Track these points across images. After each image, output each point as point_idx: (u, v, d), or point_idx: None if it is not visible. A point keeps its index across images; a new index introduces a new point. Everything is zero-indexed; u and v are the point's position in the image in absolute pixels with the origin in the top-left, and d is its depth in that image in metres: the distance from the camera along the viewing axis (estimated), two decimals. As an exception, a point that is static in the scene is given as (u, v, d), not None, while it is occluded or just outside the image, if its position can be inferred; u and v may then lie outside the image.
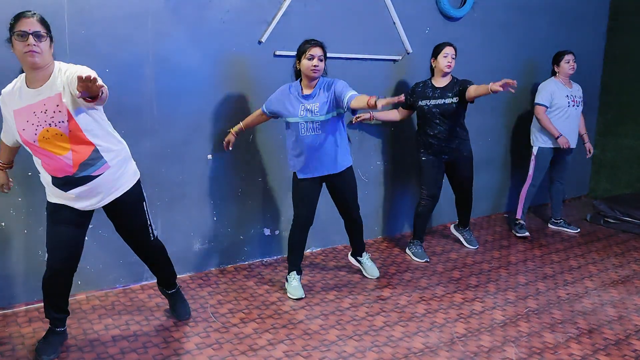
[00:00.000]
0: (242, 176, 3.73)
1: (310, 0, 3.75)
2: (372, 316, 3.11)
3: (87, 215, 2.57)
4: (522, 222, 4.68)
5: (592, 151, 4.80)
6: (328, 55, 3.41)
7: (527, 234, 4.61)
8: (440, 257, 4.13)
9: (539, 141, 4.59)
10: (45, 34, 2.26)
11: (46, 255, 2.53)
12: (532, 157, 4.62)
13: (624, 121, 5.80)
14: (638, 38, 5.66)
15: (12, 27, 2.23)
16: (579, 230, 4.83)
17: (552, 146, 4.55)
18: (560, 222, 4.90)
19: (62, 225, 2.49)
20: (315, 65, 3.10)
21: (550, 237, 4.72)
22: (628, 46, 5.75)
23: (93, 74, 2.15)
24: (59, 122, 2.30)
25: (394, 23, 4.17)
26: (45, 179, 2.46)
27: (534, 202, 4.74)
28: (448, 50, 3.82)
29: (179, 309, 3.01)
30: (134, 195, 2.62)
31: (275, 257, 3.97)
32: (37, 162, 2.44)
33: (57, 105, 2.29)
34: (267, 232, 3.91)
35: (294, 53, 3.65)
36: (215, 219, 3.67)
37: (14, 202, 2.99)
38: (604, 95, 5.98)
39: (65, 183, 2.41)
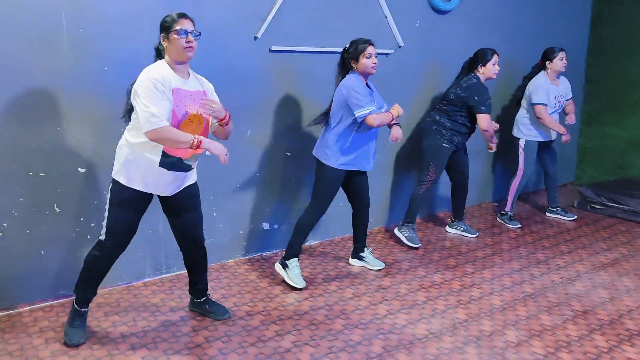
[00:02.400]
0: (241, 172, 3.76)
1: (303, -5, 3.79)
2: (374, 305, 3.18)
3: (149, 203, 2.71)
4: (510, 213, 4.78)
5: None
6: (324, 49, 3.46)
7: (518, 225, 4.72)
8: (435, 246, 4.22)
9: (526, 134, 4.68)
10: (199, 35, 2.57)
11: (103, 236, 2.63)
12: (521, 151, 4.71)
13: (608, 110, 5.95)
14: (620, 29, 5.80)
15: (171, 25, 2.51)
16: (575, 217, 4.96)
17: (540, 140, 4.65)
18: (557, 209, 5.02)
19: (133, 212, 2.64)
20: (375, 63, 3.33)
21: (540, 223, 4.84)
22: (611, 37, 5.89)
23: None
24: (197, 111, 2.58)
25: (386, 17, 4.22)
26: (150, 157, 2.53)
27: (517, 195, 4.86)
28: (497, 58, 4.12)
29: (217, 310, 3.02)
30: (197, 188, 2.85)
31: (274, 251, 4.01)
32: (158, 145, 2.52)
33: (202, 99, 2.59)
34: (266, 226, 3.95)
35: (289, 48, 3.71)
36: (214, 214, 3.70)
37: (16, 203, 2.98)
38: (588, 85, 6.13)
39: (173, 164, 2.57)
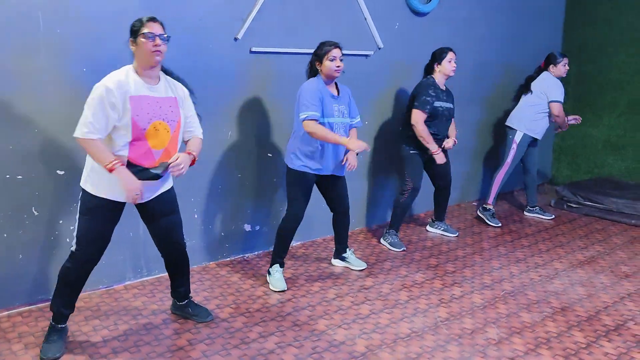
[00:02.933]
0: (222, 173, 3.75)
1: (284, -3, 3.79)
2: (357, 305, 3.19)
3: (122, 211, 2.63)
4: (492, 209, 4.84)
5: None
6: (304, 51, 3.45)
7: (499, 224, 4.78)
8: (417, 246, 4.25)
9: (525, 129, 4.74)
10: (168, 39, 2.51)
11: (74, 246, 2.56)
12: (514, 145, 4.76)
13: (583, 111, 6.06)
14: (594, 31, 5.93)
15: (139, 29, 2.46)
16: (553, 217, 5.04)
17: (536, 137, 4.77)
18: (536, 209, 5.10)
19: (103, 221, 2.57)
20: (338, 66, 3.28)
21: (518, 222, 4.92)
22: (585, 39, 6.01)
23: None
24: (171, 120, 2.55)
25: (365, 19, 4.25)
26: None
27: (500, 189, 4.92)
28: (452, 55, 4.05)
29: (200, 312, 3.00)
30: (174, 193, 2.80)
31: (256, 253, 4.01)
32: (120, 148, 2.46)
33: (170, 107, 2.55)
34: (247, 227, 3.94)
35: (269, 49, 3.71)
36: (195, 216, 3.68)
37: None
38: (563, 86, 6.22)
39: (138, 172, 2.49)
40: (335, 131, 3.30)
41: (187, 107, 2.70)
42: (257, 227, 4.00)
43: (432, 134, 4.04)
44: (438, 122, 4.07)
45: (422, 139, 4.00)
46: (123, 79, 2.44)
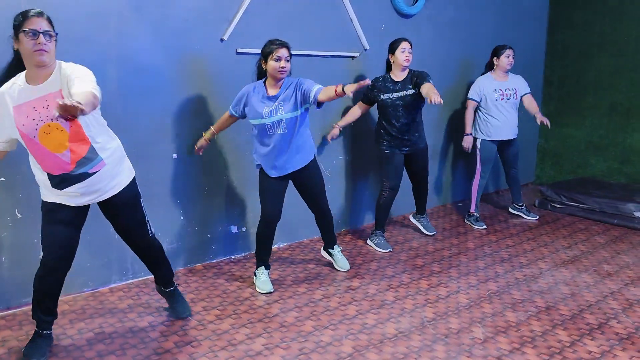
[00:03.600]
0: (208, 174, 3.74)
1: (270, -2, 3.80)
2: (344, 306, 3.20)
3: (83, 214, 2.56)
4: (476, 214, 4.88)
5: (545, 122, 4.61)
6: (291, 52, 3.42)
7: (484, 226, 4.81)
8: (403, 246, 4.27)
9: (480, 135, 4.77)
10: (54, 34, 2.30)
11: (41, 254, 2.51)
12: (477, 151, 4.79)
13: (566, 112, 6.15)
14: (576, 33, 6.00)
15: (20, 25, 2.24)
16: (537, 217, 5.09)
17: (494, 139, 4.73)
18: (522, 207, 5.14)
19: (59, 224, 2.49)
20: (282, 67, 3.14)
21: (503, 222, 4.96)
22: (567, 41, 6.09)
23: (79, 99, 2.04)
24: (49, 120, 2.32)
25: (351, 20, 4.27)
26: (41, 178, 2.44)
27: (479, 196, 4.96)
28: (405, 45, 3.95)
29: (178, 307, 3.00)
30: (131, 192, 2.64)
31: (243, 254, 4.00)
32: (33, 161, 2.42)
33: (38, 111, 2.32)
34: (234, 229, 3.93)
35: (255, 51, 3.69)
36: (182, 218, 3.67)
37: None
38: (546, 87, 6.32)
39: (62, 181, 2.40)
40: (272, 130, 3.21)
41: (74, 77, 2.30)
42: (244, 229, 3.99)
43: (394, 130, 4.02)
44: (392, 114, 3.99)
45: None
46: (7, 88, 2.33)
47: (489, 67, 4.81)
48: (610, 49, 5.76)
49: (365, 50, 4.42)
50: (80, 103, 1.91)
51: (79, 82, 2.25)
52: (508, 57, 4.64)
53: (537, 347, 2.77)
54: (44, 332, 2.62)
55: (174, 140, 3.54)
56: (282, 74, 3.16)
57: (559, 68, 6.19)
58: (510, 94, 4.70)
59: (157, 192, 3.50)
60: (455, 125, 5.37)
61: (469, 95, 4.74)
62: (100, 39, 3.12)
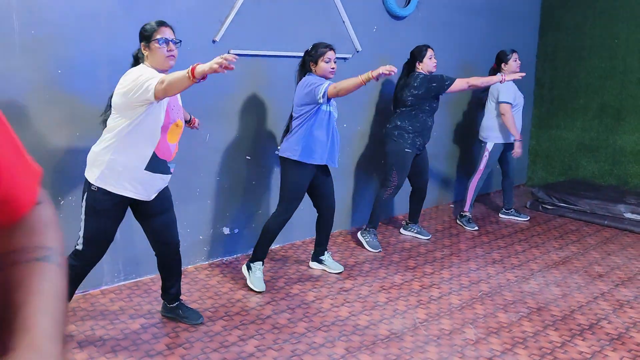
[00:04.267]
0: (200, 176, 3.73)
1: (262, -1, 3.79)
2: (337, 307, 3.20)
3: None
4: (469, 214, 4.89)
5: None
6: (283, 53, 3.45)
7: (476, 227, 4.83)
8: (395, 247, 4.28)
9: (494, 137, 4.76)
10: (179, 43, 2.60)
11: (80, 246, 2.58)
12: (486, 153, 4.79)
13: (557, 114, 6.19)
14: (568, 35, 6.05)
15: (151, 35, 2.52)
16: (528, 218, 5.11)
17: (504, 142, 4.77)
18: (511, 211, 5.17)
19: (113, 220, 2.62)
20: (333, 68, 3.39)
21: (495, 224, 4.99)
22: (559, 43, 6.13)
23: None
24: (181, 117, 2.68)
25: (344, 22, 4.27)
26: (132, 162, 2.50)
27: (475, 196, 4.98)
28: (431, 52, 4.15)
29: (190, 315, 2.98)
30: (169, 191, 2.82)
31: (235, 256, 3.99)
32: (146, 146, 2.51)
33: (179, 102, 2.69)
34: (226, 231, 3.92)
35: (248, 52, 3.71)
36: (174, 219, 3.65)
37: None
38: (538, 89, 6.36)
39: (161, 165, 2.57)
40: (332, 119, 3.42)
41: None
42: (236, 230, 3.98)
43: (430, 125, 4.25)
44: (428, 112, 4.22)
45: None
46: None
47: (494, 72, 4.82)
48: (600, 52, 5.81)
49: (358, 51, 4.43)
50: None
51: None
52: (516, 60, 4.72)
53: (528, 347, 2.78)
54: None
55: (166, 141, 3.53)
56: (332, 74, 3.40)
57: (550, 70, 6.23)
58: (522, 97, 4.83)
59: (149, 193, 3.49)
60: (446, 127, 5.40)
61: (505, 99, 4.64)
62: (91, 40, 3.11)
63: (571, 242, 4.50)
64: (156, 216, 2.74)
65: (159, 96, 2.36)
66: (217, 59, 2.23)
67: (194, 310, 3.03)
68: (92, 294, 3.31)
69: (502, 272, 3.81)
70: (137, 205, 2.71)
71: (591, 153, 5.97)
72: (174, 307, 2.99)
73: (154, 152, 2.53)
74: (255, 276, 3.41)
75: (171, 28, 2.58)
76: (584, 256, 4.16)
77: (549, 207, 5.31)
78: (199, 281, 3.55)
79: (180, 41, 2.61)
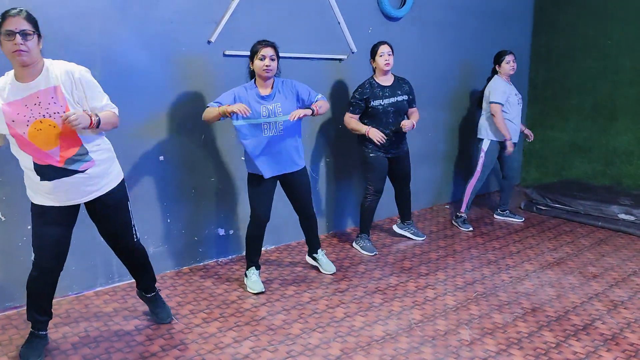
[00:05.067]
0: (195, 177, 3.72)
1: (257, 0, 3.78)
2: (332, 308, 3.20)
3: (73, 213, 2.55)
4: (464, 216, 4.89)
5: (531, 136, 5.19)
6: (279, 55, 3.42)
7: (471, 228, 4.83)
8: (390, 249, 4.28)
9: (489, 135, 4.76)
10: (32, 32, 2.24)
11: (33, 255, 2.50)
12: (482, 153, 4.78)
13: (550, 114, 6.21)
14: (560, 36, 6.07)
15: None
16: (523, 219, 5.13)
17: (498, 140, 4.75)
18: (506, 212, 5.17)
19: (50, 225, 2.48)
20: (267, 65, 3.15)
21: (490, 225, 4.99)
22: (552, 44, 6.15)
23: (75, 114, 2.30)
24: (54, 113, 2.32)
25: (339, 23, 4.27)
26: (30, 176, 2.42)
27: (472, 197, 4.97)
28: (383, 49, 3.92)
29: (160, 313, 2.98)
30: (119, 195, 2.62)
31: (230, 257, 3.98)
32: (23, 158, 2.39)
33: (52, 97, 2.31)
34: (221, 232, 3.91)
35: (243, 53, 3.69)
36: (168, 220, 3.64)
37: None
38: (532, 90, 6.38)
39: (51, 172, 2.38)
40: (263, 130, 3.20)
41: (86, 89, 2.41)
42: (231, 232, 3.97)
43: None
44: (382, 120, 3.98)
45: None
46: (0, 86, 2.32)
47: (494, 73, 4.82)
48: (593, 52, 5.83)
49: (353, 52, 4.43)
50: (96, 115, 2.40)
51: (99, 98, 2.48)
52: (508, 62, 4.69)
53: (523, 348, 2.78)
54: (40, 332, 2.62)
55: (160, 142, 3.51)
56: (267, 72, 3.16)
57: (543, 70, 6.25)
58: (519, 98, 4.80)
59: (144, 194, 3.48)
60: (440, 128, 5.41)
61: (495, 99, 4.61)
62: (84, 40, 3.10)
63: (565, 243, 4.51)
64: (102, 220, 2.64)
65: None
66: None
67: (165, 308, 3.01)
68: (86, 296, 3.29)
69: (497, 273, 3.82)
70: (87, 209, 2.62)
71: (584, 153, 5.99)
72: (150, 298, 2.98)
73: (33, 162, 2.37)
74: (251, 281, 3.41)
75: (26, 18, 2.21)
76: (579, 257, 4.17)
77: (543, 208, 5.33)
78: (194, 282, 3.53)
79: (34, 32, 2.23)
